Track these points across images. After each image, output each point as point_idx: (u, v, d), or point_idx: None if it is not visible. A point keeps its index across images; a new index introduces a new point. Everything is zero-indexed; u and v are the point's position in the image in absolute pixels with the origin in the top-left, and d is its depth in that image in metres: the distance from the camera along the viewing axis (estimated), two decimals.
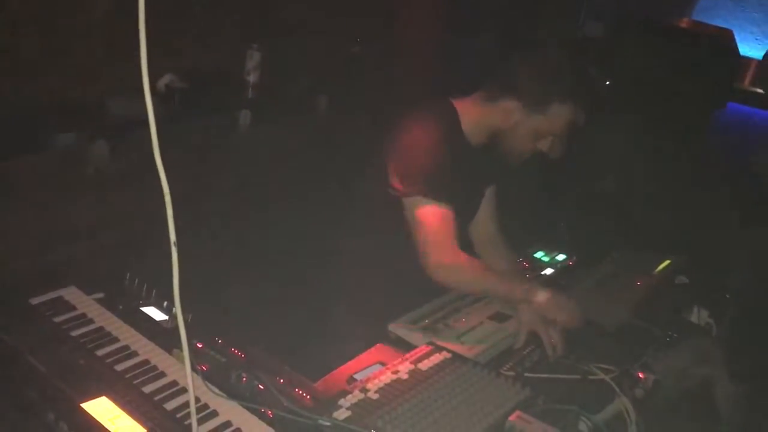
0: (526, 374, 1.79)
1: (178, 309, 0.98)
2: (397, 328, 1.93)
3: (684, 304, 2.23)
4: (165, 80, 2.67)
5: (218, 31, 2.95)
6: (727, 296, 2.41)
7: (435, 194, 1.93)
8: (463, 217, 2.16)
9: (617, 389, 1.75)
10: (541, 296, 1.92)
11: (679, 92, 3.42)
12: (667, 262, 2.41)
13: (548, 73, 1.99)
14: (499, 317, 2.03)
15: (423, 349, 1.81)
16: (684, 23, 4.58)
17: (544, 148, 2.07)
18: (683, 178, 3.31)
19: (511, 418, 1.51)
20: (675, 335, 2.05)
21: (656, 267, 2.37)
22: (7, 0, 2.25)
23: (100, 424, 1.28)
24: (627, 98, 3.60)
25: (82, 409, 1.31)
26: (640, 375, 1.85)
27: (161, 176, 0.93)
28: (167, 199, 0.93)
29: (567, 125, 2.02)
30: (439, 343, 1.85)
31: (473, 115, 2.06)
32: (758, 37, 5.31)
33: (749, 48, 5.17)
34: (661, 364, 1.89)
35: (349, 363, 1.76)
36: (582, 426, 1.62)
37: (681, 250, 2.52)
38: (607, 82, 3.77)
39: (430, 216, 1.93)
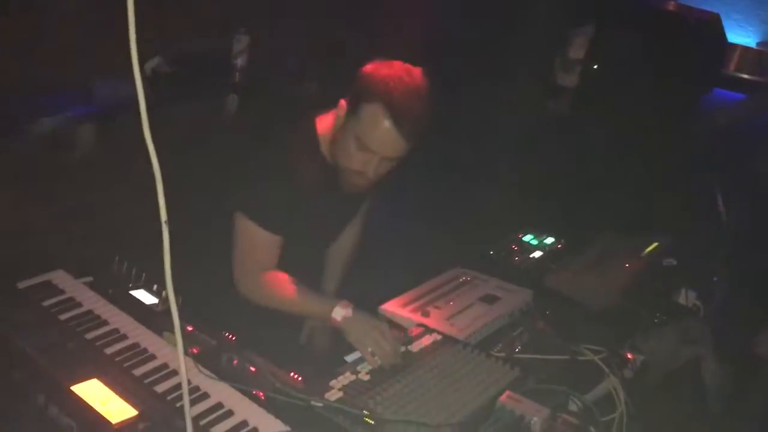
0: (515, 355, 1.80)
1: (169, 288, 0.98)
2: (388, 310, 1.94)
3: (672, 286, 2.24)
4: (152, 64, 2.64)
5: (206, 15, 2.92)
6: (715, 279, 2.43)
7: (261, 219, 1.85)
8: (318, 240, 2.13)
9: (606, 369, 1.76)
10: (338, 315, 1.77)
11: (667, 76, 3.43)
12: (655, 244, 2.42)
13: (371, 71, 1.77)
14: (489, 299, 2.03)
15: (414, 330, 1.82)
16: (671, 6, 4.58)
17: (368, 172, 1.80)
18: (670, 161, 3.33)
19: (502, 398, 1.51)
20: (663, 317, 2.06)
21: (644, 249, 2.38)
22: None
23: (91, 406, 1.28)
24: (614, 83, 3.60)
25: (72, 391, 1.30)
26: (629, 356, 1.87)
27: (151, 153, 0.91)
28: (157, 176, 0.92)
29: (377, 136, 1.74)
30: (430, 324, 1.85)
31: (330, 122, 1.90)
32: (742, 24, 5.34)
33: (734, 35, 5.20)
34: (649, 344, 1.91)
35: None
36: (572, 406, 1.64)
37: (668, 232, 2.53)
38: (595, 66, 3.77)
39: (247, 237, 1.88)
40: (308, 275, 2.00)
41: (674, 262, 2.37)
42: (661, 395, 1.91)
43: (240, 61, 3.02)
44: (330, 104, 1.89)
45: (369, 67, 1.80)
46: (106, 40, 2.51)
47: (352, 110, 1.79)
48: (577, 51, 3.87)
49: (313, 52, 3.38)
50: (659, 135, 3.45)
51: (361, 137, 1.76)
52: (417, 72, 1.80)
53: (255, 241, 1.89)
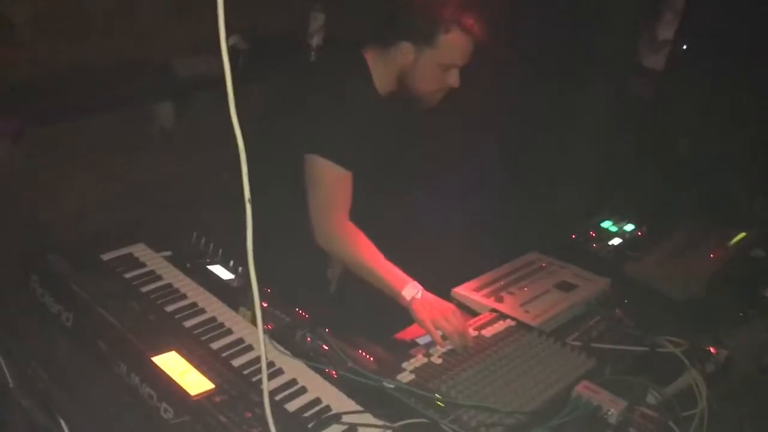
0: (592, 344, 1.75)
1: (251, 266, 0.98)
2: (460, 294, 1.91)
3: (760, 279, 2.14)
4: (231, 41, 2.67)
5: None
6: None
7: (330, 153, 1.87)
8: (383, 183, 2.12)
9: (687, 363, 1.70)
10: (408, 294, 1.76)
11: (762, 53, 3.24)
12: (743, 234, 2.31)
13: (425, 7, 1.94)
14: (566, 286, 1.98)
15: (487, 316, 1.79)
16: None
17: (452, 82, 2.00)
18: (763, 149, 3.16)
19: (579, 387, 1.47)
20: (750, 311, 1.97)
21: (731, 239, 2.28)
22: None
23: (170, 377, 1.31)
24: (705, 64, 3.44)
25: (153, 362, 1.34)
26: (712, 350, 1.79)
27: (236, 132, 0.91)
28: (242, 156, 0.92)
29: (462, 54, 1.96)
30: (503, 310, 1.82)
31: (379, 63, 2.02)
32: None
33: None
34: (734, 339, 1.82)
35: (413, 326, 1.76)
36: (650, 398, 1.58)
37: (757, 222, 2.41)
38: (684, 47, 3.60)
39: (320, 177, 1.89)
40: (383, 232, 1.99)
41: (763, 254, 2.26)
42: (745, 394, 1.82)
43: (316, 40, 3.02)
44: None
45: (420, 4, 1.95)
46: (184, 20, 2.57)
47: (427, 45, 1.94)
48: (664, 29, 3.70)
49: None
50: (751, 121, 3.28)
51: (447, 60, 1.96)
52: None
53: (328, 179, 1.89)
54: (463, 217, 2.39)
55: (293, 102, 2.03)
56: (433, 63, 1.96)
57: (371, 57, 2.01)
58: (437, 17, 1.92)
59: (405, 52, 1.96)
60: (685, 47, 3.61)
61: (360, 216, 1.91)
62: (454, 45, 1.94)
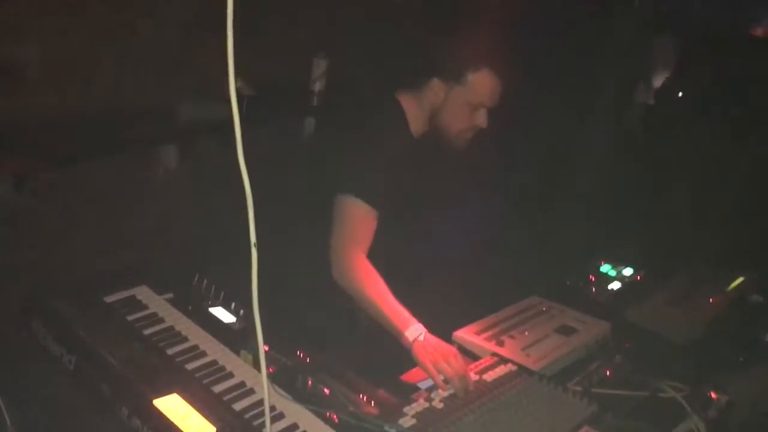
0: (593, 389, 1.75)
1: (255, 312, 0.99)
2: (461, 337, 1.92)
3: (760, 325, 2.14)
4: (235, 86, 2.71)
5: (287, 39, 2.99)
6: None
7: (359, 191, 1.91)
8: (412, 221, 2.14)
9: (689, 408, 1.69)
10: (411, 336, 1.74)
11: (762, 101, 3.29)
12: (741, 279, 2.32)
13: (457, 47, 2.02)
14: (566, 330, 1.99)
15: (488, 360, 1.79)
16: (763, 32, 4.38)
17: (481, 122, 2.05)
18: (759, 191, 3.18)
19: None
20: (750, 356, 1.97)
21: (729, 284, 2.29)
22: (86, 8, 2.33)
23: (172, 422, 1.30)
24: (704, 106, 3.49)
25: (155, 405, 1.34)
26: (713, 395, 1.79)
27: (243, 177, 0.94)
28: (249, 201, 0.94)
29: (490, 94, 2.01)
30: (505, 354, 1.83)
31: (413, 105, 2.08)
32: None
33: None
34: (735, 385, 1.82)
35: (414, 370, 1.75)
36: None
37: (755, 267, 2.42)
38: (680, 94, 3.67)
39: (346, 212, 1.92)
40: (403, 269, 2.01)
41: (761, 299, 2.27)
42: None
43: (318, 86, 3.08)
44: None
45: (451, 44, 2.03)
46: (189, 65, 2.62)
47: (457, 83, 2.00)
48: (662, 69, 3.77)
49: (390, 77, 3.41)
50: (748, 164, 3.32)
51: (476, 100, 2.01)
52: (482, 29, 2.08)
53: (353, 216, 1.92)
54: (464, 262, 2.40)
55: (330, 145, 2.09)
56: (462, 101, 2.01)
57: (405, 100, 2.08)
58: (467, 55, 1.99)
59: (435, 89, 2.02)
60: (681, 94, 3.67)
61: (373, 252, 1.93)
62: (482, 84, 2.00)
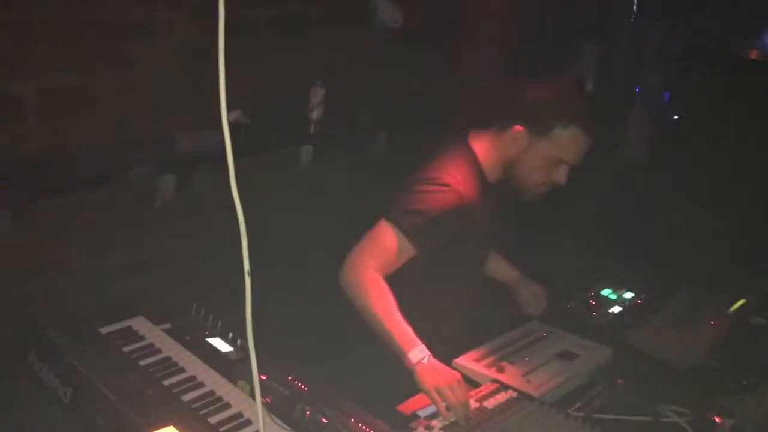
0: (595, 415, 1.73)
1: (250, 340, 0.98)
2: (461, 364, 1.90)
3: (762, 347, 2.12)
4: (232, 116, 2.73)
5: (284, 68, 3.01)
6: None
7: (413, 234, 1.84)
8: (469, 262, 2.10)
9: None
10: (415, 358, 1.70)
11: (758, 126, 3.30)
12: (742, 301, 2.31)
13: (549, 97, 1.93)
14: (567, 355, 1.97)
15: (489, 386, 1.77)
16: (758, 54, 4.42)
17: (559, 179, 1.98)
18: (759, 212, 3.18)
19: None
20: (752, 378, 1.95)
21: (730, 306, 2.28)
22: (81, 38, 2.35)
23: None
24: (701, 131, 3.50)
25: None
26: (717, 419, 1.77)
27: (237, 206, 0.93)
28: (242, 229, 0.93)
29: (575, 152, 1.94)
30: (505, 381, 1.81)
31: (488, 148, 2.01)
32: None
33: None
34: (739, 408, 1.80)
35: (413, 398, 1.73)
36: None
37: (756, 289, 2.41)
38: (675, 117, 3.68)
39: (385, 237, 1.84)
40: (457, 307, 2.02)
41: (763, 321, 2.26)
42: None
43: (315, 114, 3.09)
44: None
45: (543, 93, 1.95)
46: (187, 95, 2.64)
47: (542, 135, 1.93)
48: (657, 93, 3.80)
49: (386, 103, 3.43)
50: (746, 185, 3.32)
51: (558, 156, 1.94)
52: (575, 81, 2.03)
53: (390, 244, 1.84)
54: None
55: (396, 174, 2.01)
56: (545, 155, 1.93)
57: (480, 143, 2.01)
58: (560, 110, 1.91)
59: (518, 137, 1.94)
60: (676, 117, 3.69)
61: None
62: (569, 142, 1.91)
